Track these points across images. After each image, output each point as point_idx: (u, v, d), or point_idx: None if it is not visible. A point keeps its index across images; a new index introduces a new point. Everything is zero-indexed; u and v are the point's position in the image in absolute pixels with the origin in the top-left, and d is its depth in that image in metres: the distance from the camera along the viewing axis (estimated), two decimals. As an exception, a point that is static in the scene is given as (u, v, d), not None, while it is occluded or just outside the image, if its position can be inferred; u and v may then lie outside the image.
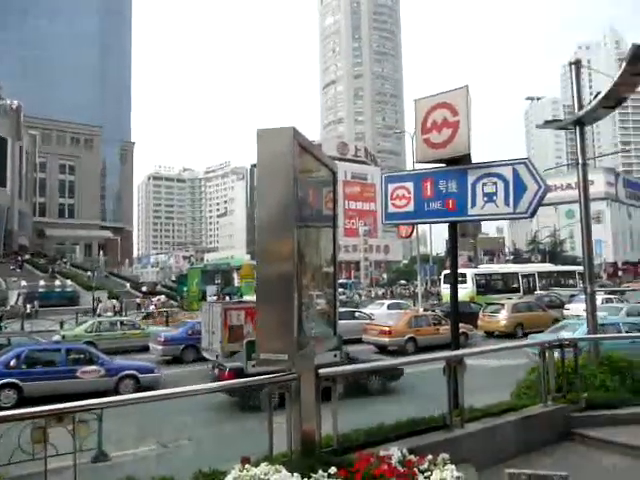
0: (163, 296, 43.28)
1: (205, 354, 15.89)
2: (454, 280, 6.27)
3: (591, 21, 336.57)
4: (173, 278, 71.03)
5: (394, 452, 3.56)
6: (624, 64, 6.54)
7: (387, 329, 19.17)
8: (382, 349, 19.27)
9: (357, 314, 23.15)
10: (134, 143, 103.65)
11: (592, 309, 7.43)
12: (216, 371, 12.16)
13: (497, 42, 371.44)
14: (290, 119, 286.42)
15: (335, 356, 7.32)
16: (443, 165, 6.01)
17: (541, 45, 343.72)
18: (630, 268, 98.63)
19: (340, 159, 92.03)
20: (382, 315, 23.45)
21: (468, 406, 5.43)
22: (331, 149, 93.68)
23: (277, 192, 3.09)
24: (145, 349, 19.64)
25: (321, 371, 3.98)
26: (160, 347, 18.19)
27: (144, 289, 50.04)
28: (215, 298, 34.23)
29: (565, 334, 16.17)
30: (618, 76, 6.51)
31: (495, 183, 5.52)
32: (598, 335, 7.34)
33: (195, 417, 9.55)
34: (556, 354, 6.10)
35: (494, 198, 5.52)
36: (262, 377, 3.91)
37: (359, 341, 19.91)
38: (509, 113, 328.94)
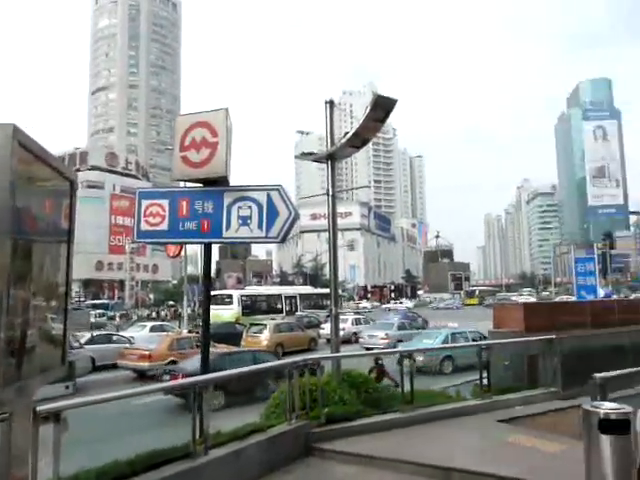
0: None
1: None
2: (206, 301, 6.18)
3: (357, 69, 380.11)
4: None
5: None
6: (368, 110, 7.34)
7: (147, 353, 18.17)
8: (142, 375, 18.18)
9: (115, 337, 21.57)
10: None
11: (336, 329, 8.05)
12: None
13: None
14: (45, 123, 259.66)
15: (67, 387, 6.55)
16: (200, 185, 5.94)
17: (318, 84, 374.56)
18: (377, 291, 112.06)
19: (109, 171, 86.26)
20: (143, 338, 22.23)
21: (215, 431, 5.34)
22: (98, 159, 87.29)
23: (-14, 198, 2.58)
24: None
25: (40, 408, 3.46)
26: None
27: None
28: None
29: (426, 341, 17.65)
30: (362, 120, 7.28)
31: (250, 207, 5.62)
32: (339, 354, 7.96)
33: None
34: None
35: (248, 222, 5.62)
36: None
37: (115, 367, 18.51)
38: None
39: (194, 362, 9.87)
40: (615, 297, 42.17)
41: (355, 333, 27.16)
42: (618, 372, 5.38)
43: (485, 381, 8.12)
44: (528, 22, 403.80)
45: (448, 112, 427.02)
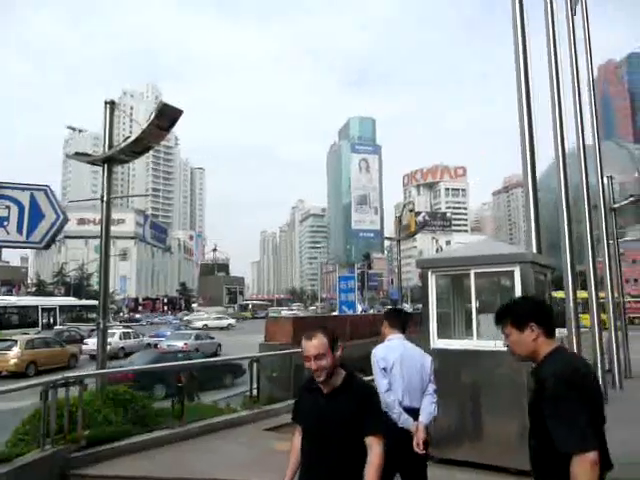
0: None
1: None
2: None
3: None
4: None
5: None
6: (152, 116, 7.11)
7: None
8: None
9: None
10: None
11: (104, 343, 7.53)
12: None
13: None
14: None
15: None
16: (-56, 177, 5.06)
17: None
18: (149, 303, 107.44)
19: None
20: None
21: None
22: None
23: None
24: None
25: None
26: None
27: None
28: None
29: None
30: (146, 126, 7.02)
31: (8, 207, 4.96)
32: (104, 370, 7.46)
33: None
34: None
35: (5, 223, 4.95)
36: None
37: None
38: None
39: None
40: (371, 312, 47.59)
41: (123, 348, 25.70)
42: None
43: (255, 392, 8.40)
44: (323, 53, 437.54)
45: (237, 128, 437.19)
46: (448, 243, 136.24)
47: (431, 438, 3.90)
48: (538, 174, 7.83)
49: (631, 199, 13.98)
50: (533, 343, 2.29)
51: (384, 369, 3.80)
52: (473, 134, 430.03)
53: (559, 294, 12.14)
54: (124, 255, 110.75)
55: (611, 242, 13.36)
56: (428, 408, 3.79)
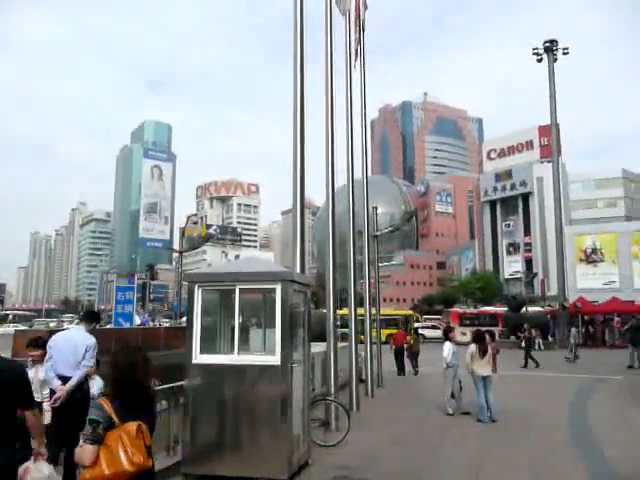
0: None
1: None
2: None
3: None
4: None
5: None
6: None
7: None
8: None
9: None
10: None
11: None
12: None
13: None
14: None
15: None
16: None
17: None
18: None
19: None
20: None
21: None
22: None
23: None
24: None
25: None
26: None
27: None
28: None
29: None
30: None
31: None
32: None
33: None
34: None
35: None
36: None
37: None
38: None
39: None
40: (151, 325, 45.56)
41: None
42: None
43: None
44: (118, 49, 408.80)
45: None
46: (237, 257, 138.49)
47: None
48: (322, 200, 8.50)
49: (390, 229, 15.91)
50: None
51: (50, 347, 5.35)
52: (268, 154, 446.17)
53: (343, 311, 13.22)
54: None
55: (378, 264, 15.09)
56: (75, 377, 5.18)
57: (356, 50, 12.60)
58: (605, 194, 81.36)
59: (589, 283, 65.43)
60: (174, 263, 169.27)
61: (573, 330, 26.27)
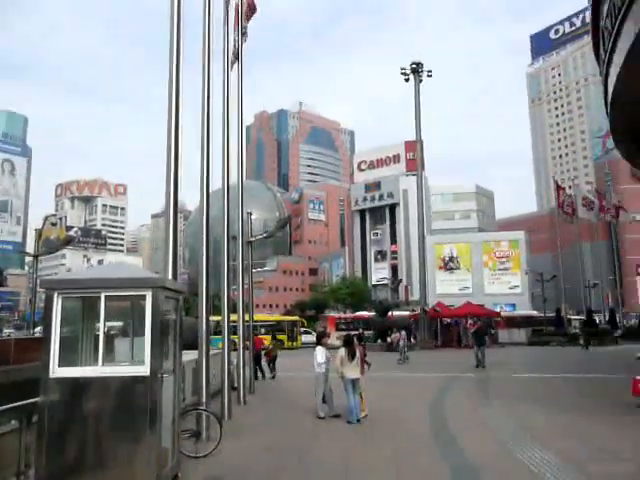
0: None
1: None
2: None
3: None
4: None
5: None
6: None
7: None
8: None
9: None
10: None
11: None
12: None
13: None
14: None
15: None
16: None
17: None
18: None
19: None
20: None
21: None
22: None
23: None
24: None
25: None
26: None
27: None
28: None
29: None
30: None
31: None
32: None
33: None
34: None
35: None
36: None
37: None
38: None
39: None
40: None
41: None
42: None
43: None
44: None
45: None
46: (101, 262, 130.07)
47: None
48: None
49: (265, 234, 15.99)
50: None
51: None
52: (139, 154, 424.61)
53: (217, 317, 12.97)
54: None
55: (251, 270, 15.00)
56: None
57: (234, 53, 12.49)
58: (461, 207, 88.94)
59: (447, 288, 71.01)
60: (27, 268, 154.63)
61: (403, 333, 26.63)
